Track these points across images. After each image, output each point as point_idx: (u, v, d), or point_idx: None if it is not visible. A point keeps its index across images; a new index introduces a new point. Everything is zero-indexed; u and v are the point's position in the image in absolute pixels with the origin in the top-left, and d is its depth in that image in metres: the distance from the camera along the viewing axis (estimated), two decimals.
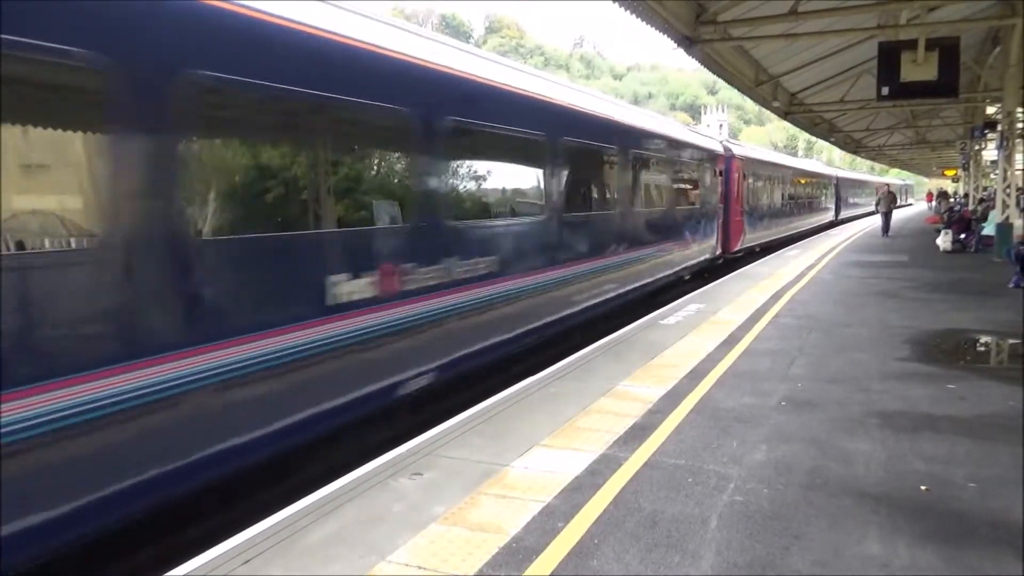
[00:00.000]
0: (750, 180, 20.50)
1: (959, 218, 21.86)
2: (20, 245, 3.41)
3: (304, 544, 3.73)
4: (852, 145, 40.83)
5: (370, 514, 4.06)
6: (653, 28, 12.18)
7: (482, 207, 7.52)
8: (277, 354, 4.64)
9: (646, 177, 12.05)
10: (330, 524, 3.95)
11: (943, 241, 20.02)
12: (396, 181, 6.34)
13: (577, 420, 5.64)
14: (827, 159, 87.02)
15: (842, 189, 41.61)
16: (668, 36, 12.86)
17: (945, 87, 11.36)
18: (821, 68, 18.98)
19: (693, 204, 14.98)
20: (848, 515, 3.95)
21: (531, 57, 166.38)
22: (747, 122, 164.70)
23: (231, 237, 4.52)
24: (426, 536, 3.78)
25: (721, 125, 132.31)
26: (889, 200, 27.66)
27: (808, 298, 11.78)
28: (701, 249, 15.38)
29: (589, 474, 4.55)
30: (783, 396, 6.19)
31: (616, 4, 10.68)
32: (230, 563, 3.54)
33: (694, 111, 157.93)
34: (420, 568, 3.47)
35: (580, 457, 4.84)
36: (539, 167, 8.29)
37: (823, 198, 36.14)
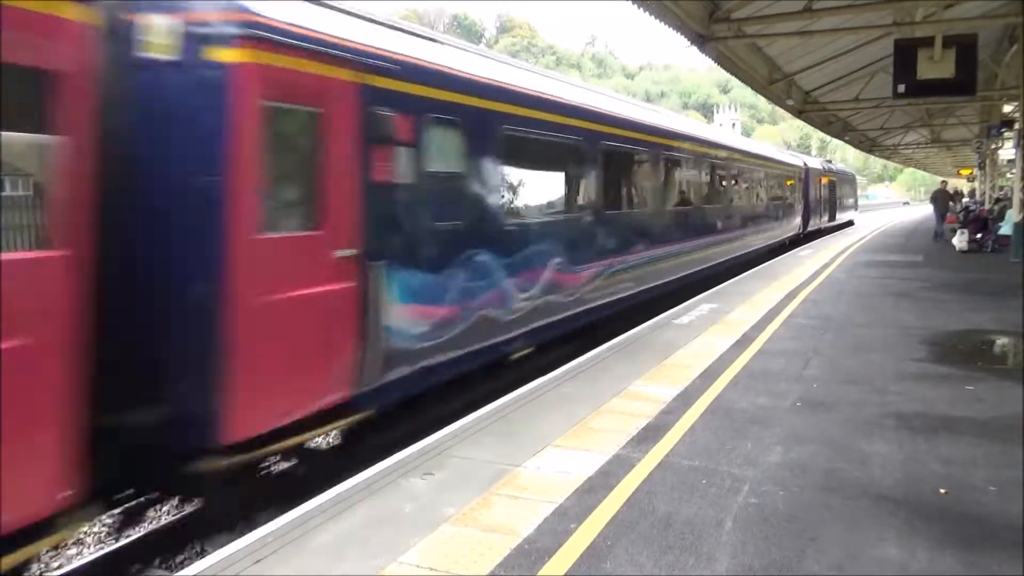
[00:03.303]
0: (816, 184, 29.08)
1: (975, 217, 21.62)
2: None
3: (315, 544, 3.72)
4: (867, 144, 40.42)
5: (381, 514, 4.04)
6: (666, 26, 12.08)
7: (737, 200, 17.22)
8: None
9: (784, 185, 22.72)
10: (341, 524, 3.93)
11: (959, 241, 19.81)
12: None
13: (590, 420, 5.60)
14: (840, 159, 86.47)
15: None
16: (681, 34, 12.75)
17: (962, 85, 11.21)
18: (836, 66, 18.77)
19: (795, 201, 24.53)
20: (865, 518, 3.90)
21: (543, 57, 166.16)
22: (760, 121, 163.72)
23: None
24: (438, 537, 3.76)
25: (733, 124, 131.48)
26: (945, 199, 25.60)
27: (822, 298, 11.68)
28: (797, 223, 24.87)
29: (602, 475, 4.51)
30: (798, 397, 6.13)
31: (629, 2, 10.61)
32: (241, 563, 3.53)
33: (706, 110, 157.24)
34: (431, 569, 3.44)
35: (593, 458, 4.80)
36: (766, 190, 20.02)
37: (855, 197, 44.55)
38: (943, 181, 29.55)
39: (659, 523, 3.87)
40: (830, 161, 41.07)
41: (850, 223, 38.11)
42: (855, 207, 43.16)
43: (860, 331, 8.92)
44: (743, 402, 5.99)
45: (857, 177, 49.37)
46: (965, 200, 32.94)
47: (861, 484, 4.33)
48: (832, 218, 32.58)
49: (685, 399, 6.10)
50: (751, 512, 3.98)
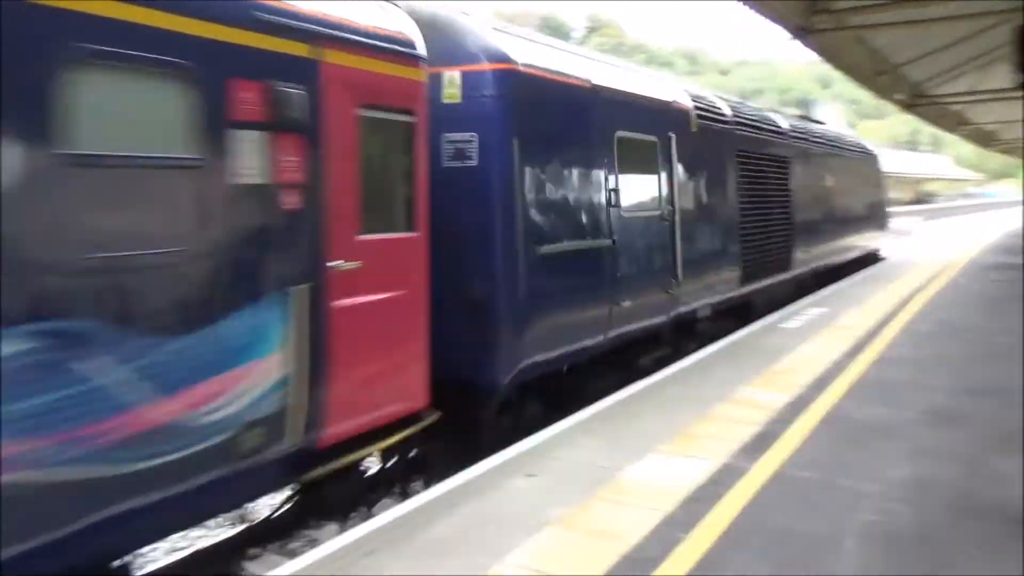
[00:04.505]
0: (699, 170, 24.64)
1: None
2: None
3: (423, 540, 3.75)
4: (983, 138, 37.82)
5: (485, 514, 4.04)
6: (765, 19, 11.67)
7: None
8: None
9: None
10: (448, 522, 3.94)
11: None
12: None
13: (694, 426, 5.43)
14: (955, 155, 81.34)
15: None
16: (781, 26, 12.30)
17: None
18: (948, 56, 17.54)
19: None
20: (1004, 543, 3.57)
21: (632, 55, 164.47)
22: (865, 116, 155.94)
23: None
24: (541, 539, 3.71)
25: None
26: None
27: (943, 303, 10.94)
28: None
29: (711, 484, 4.35)
30: (922, 408, 5.73)
31: None
32: (353, 553, 3.60)
33: (806, 106, 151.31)
34: (536, 571, 3.40)
35: (698, 465, 4.64)
36: None
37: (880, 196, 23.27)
38: None
39: (773, 538, 3.68)
40: (807, 119, 17.42)
41: (871, 259, 18.09)
42: (882, 219, 20.05)
43: (988, 339, 8.28)
44: (860, 412, 5.66)
45: (971, 175, 42.01)
46: None
47: (999, 505, 3.99)
48: (786, 262, 11.71)
49: (796, 407, 5.82)
50: (874, 531, 3.73)
